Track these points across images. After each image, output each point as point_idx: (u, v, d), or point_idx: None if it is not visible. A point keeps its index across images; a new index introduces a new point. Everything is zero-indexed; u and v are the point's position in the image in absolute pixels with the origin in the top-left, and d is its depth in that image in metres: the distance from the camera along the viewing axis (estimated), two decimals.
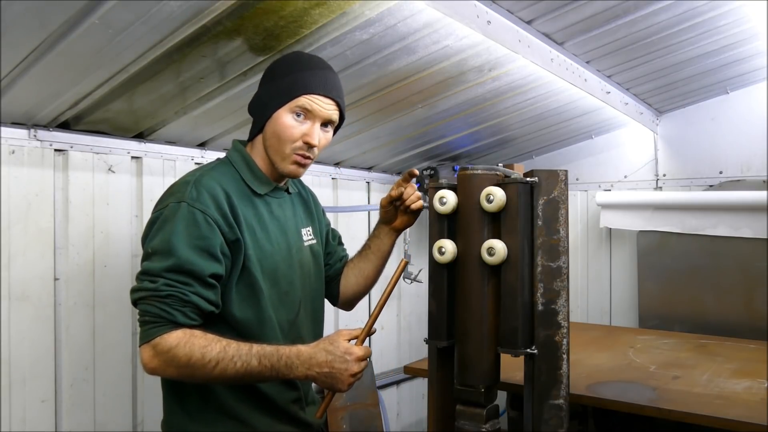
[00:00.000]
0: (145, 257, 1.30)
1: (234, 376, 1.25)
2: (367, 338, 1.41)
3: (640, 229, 3.20)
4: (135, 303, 1.28)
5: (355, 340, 1.34)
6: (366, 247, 1.71)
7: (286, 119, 1.39)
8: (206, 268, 1.27)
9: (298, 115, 1.39)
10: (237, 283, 1.36)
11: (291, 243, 1.49)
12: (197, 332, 1.26)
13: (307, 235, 1.58)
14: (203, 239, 1.28)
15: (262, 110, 1.43)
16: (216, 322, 1.32)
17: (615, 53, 2.28)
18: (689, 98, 3.07)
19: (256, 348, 1.27)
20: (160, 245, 1.27)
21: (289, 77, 1.40)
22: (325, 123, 1.44)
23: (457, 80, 2.15)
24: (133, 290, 1.28)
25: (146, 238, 1.33)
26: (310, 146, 1.41)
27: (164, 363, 1.23)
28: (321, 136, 1.43)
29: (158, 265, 1.25)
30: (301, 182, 1.68)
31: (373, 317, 1.41)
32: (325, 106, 1.41)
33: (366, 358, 1.33)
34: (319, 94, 1.40)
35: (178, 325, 1.24)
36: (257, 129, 1.46)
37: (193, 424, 1.37)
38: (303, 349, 1.29)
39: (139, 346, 1.26)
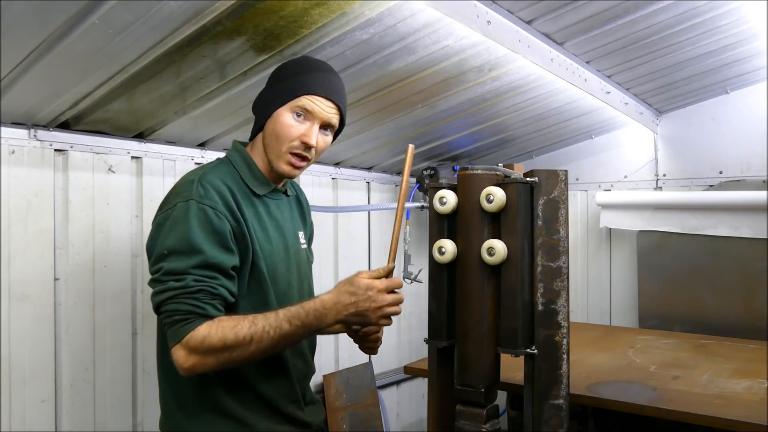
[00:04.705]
0: (161, 258, 1.28)
1: (270, 345, 1.25)
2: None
3: (640, 229, 3.19)
4: (159, 305, 1.26)
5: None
6: None
7: (285, 118, 1.40)
8: (228, 261, 1.29)
9: (298, 115, 1.40)
10: (248, 277, 1.37)
11: (288, 244, 1.50)
12: (222, 317, 1.26)
13: (302, 238, 1.59)
14: (218, 234, 1.29)
15: (263, 109, 1.44)
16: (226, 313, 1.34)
17: (615, 53, 2.28)
18: (689, 98, 3.07)
19: (282, 312, 1.27)
20: (179, 244, 1.26)
21: (292, 78, 1.42)
22: (325, 126, 1.44)
23: (457, 80, 2.15)
24: (157, 293, 1.26)
25: (155, 239, 1.31)
26: (307, 146, 1.41)
27: (201, 356, 1.23)
28: (320, 139, 1.44)
29: (182, 263, 1.25)
30: (299, 187, 1.69)
31: (393, 247, 1.38)
32: (326, 108, 1.42)
33: (392, 289, 1.32)
34: (320, 96, 1.41)
35: (207, 318, 1.24)
36: (258, 127, 1.47)
37: (191, 423, 1.37)
38: (326, 297, 1.29)
39: (171, 348, 1.25)
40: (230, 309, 1.34)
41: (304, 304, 1.29)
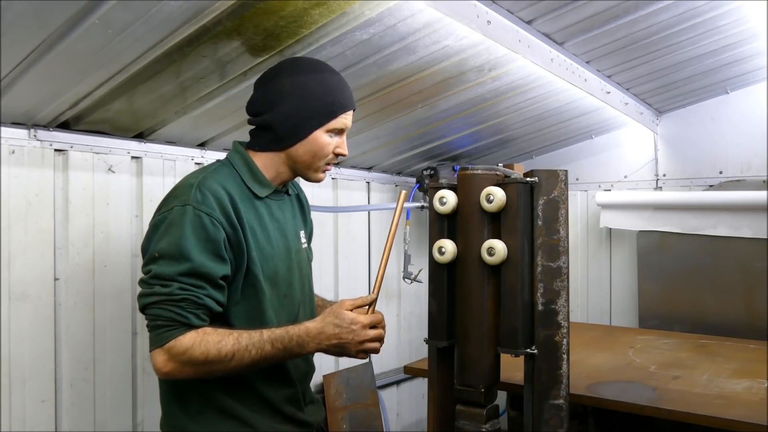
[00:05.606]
0: (151, 261, 1.29)
1: (250, 363, 1.29)
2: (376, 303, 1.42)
3: (640, 229, 3.19)
4: (144, 307, 1.28)
5: (366, 306, 1.39)
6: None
7: (324, 138, 1.45)
8: (218, 271, 1.30)
9: (334, 133, 1.46)
10: (242, 284, 1.37)
11: (290, 245, 1.50)
12: (208, 329, 1.28)
13: (303, 238, 1.60)
14: (211, 242, 1.29)
15: (292, 129, 1.43)
16: (217, 320, 1.33)
17: (615, 53, 2.28)
18: (689, 98, 3.07)
19: (267, 333, 1.31)
20: (170, 249, 1.27)
21: (324, 97, 1.43)
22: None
23: (457, 80, 2.15)
24: (143, 295, 1.28)
25: (150, 240, 1.32)
26: (337, 155, 1.50)
27: (180, 365, 1.25)
28: None
29: (170, 269, 1.26)
30: (299, 186, 1.69)
31: (379, 281, 1.43)
32: (350, 118, 1.50)
33: (375, 324, 1.37)
34: (350, 110, 1.48)
35: (191, 327, 1.26)
36: (283, 145, 1.45)
37: (193, 423, 1.37)
38: (311, 325, 1.34)
39: (150, 351, 1.27)
40: (223, 314, 1.35)
41: (288, 329, 1.33)
